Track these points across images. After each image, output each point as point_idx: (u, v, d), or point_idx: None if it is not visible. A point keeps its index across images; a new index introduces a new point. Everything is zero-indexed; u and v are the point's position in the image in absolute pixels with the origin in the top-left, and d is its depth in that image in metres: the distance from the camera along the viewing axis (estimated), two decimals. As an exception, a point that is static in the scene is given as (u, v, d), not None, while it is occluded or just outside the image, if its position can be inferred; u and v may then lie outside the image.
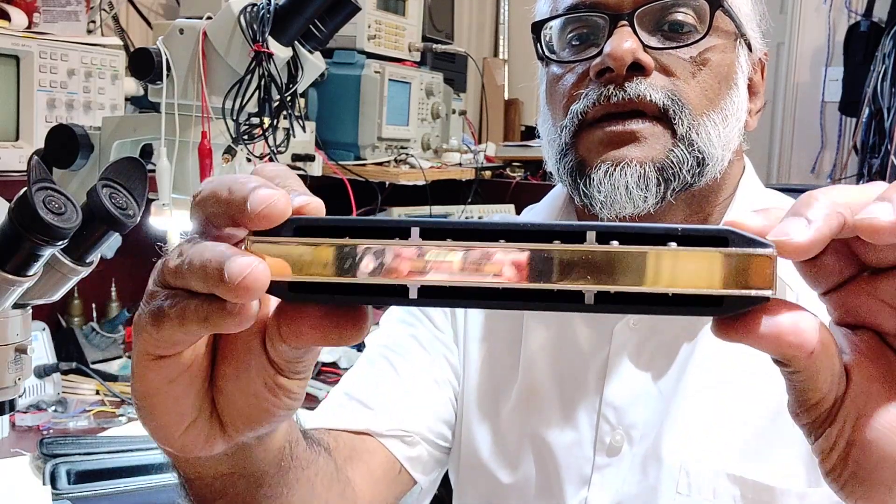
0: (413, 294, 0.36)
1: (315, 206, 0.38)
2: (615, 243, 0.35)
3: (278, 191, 0.37)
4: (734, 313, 0.36)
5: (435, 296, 0.37)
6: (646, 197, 0.74)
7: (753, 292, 0.35)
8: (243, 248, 0.37)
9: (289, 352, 0.41)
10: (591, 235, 0.35)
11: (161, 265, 0.40)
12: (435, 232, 0.36)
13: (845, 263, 0.39)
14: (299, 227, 0.37)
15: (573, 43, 0.79)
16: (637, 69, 0.75)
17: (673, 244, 0.35)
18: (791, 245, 0.36)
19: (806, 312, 0.38)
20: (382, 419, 0.84)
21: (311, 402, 1.27)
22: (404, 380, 0.87)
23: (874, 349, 0.40)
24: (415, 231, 0.36)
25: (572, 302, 0.36)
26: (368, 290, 0.37)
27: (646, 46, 0.75)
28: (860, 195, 0.38)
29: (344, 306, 0.39)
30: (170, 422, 0.44)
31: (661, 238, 0.35)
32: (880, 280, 0.39)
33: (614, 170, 0.74)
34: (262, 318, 0.41)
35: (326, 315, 0.39)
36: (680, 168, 0.75)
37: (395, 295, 0.37)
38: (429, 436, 0.87)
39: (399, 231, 0.37)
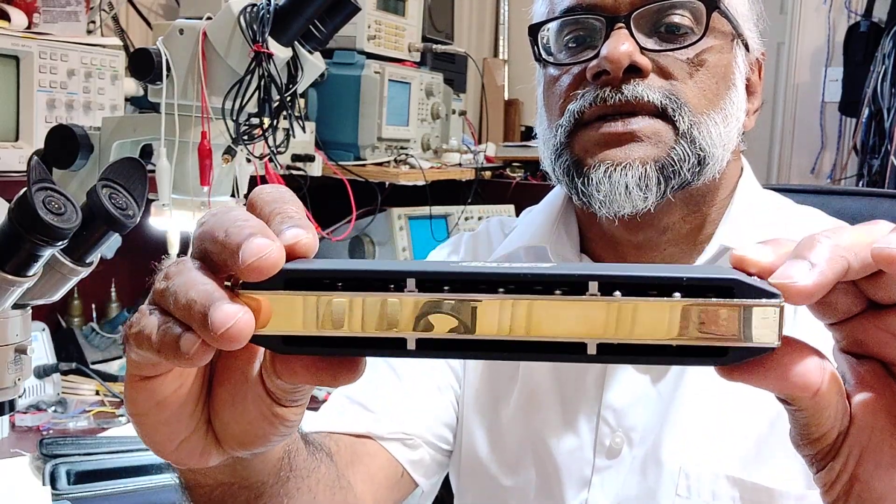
0: (411, 346, 0.35)
1: (305, 244, 0.37)
2: (618, 294, 0.34)
3: (272, 242, 0.36)
4: (739, 362, 0.35)
5: (433, 347, 0.35)
6: (646, 196, 0.74)
7: (758, 344, 0.35)
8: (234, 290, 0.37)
9: (285, 385, 0.41)
10: (593, 286, 0.34)
11: (154, 284, 0.39)
12: (432, 282, 0.35)
13: (853, 300, 0.39)
14: (290, 278, 0.36)
15: (570, 45, 0.79)
16: (634, 71, 0.75)
17: (678, 294, 0.34)
18: (794, 289, 0.35)
19: (811, 351, 0.37)
20: (384, 422, 0.84)
21: (314, 403, 1.27)
22: (405, 383, 0.87)
23: (879, 380, 0.39)
24: (410, 282, 0.35)
25: (574, 353, 0.35)
26: (363, 343, 0.36)
27: (642, 49, 0.75)
28: (863, 237, 0.37)
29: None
30: (161, 439, 0.44)
31: (665, 288, 0.34)
32: (888, 314, 0.38)
33: (614, 170, 0.74)
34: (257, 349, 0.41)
35: (321, 359, 0.38)
36: (681, 166, 0.75)
37: (392, 347, 0.36)
38: (430, 439, 0.87)
39: (395, 280, 0.35)
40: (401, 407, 0.85)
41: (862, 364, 0.40)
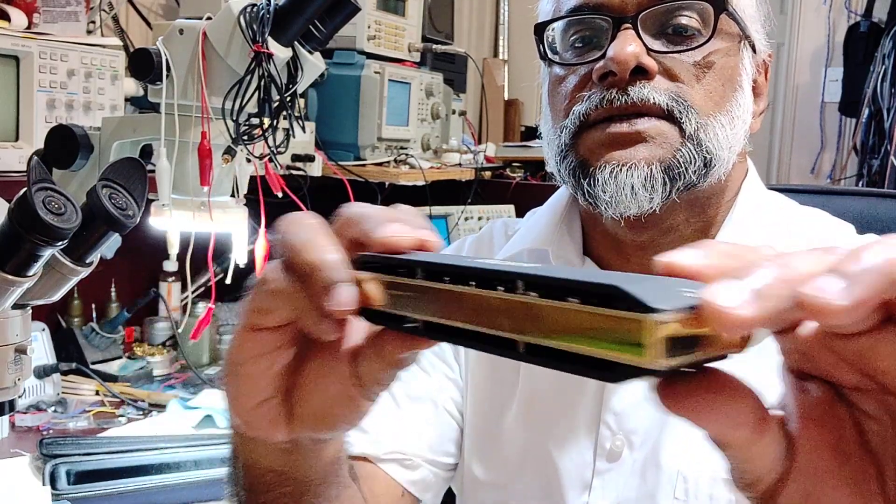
0: (520, 349, 0.35)
1: (434, 245, 0.41)
2: (533, 294, 0.33)
3: (411, 228, 0.41)
4: (628, 381, 0.31)
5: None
6: (651, 197, 0.74)
7: (631, 362, 0.30)
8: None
9: (376, 370, 0.44)
10: (520, 283, 0.34)
11: (285, 241, 0.43)
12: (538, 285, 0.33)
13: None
14: (412, 265, 0.39)
15: (576, 45, 0.79)
16: (640, 73, 0.74)
17: (575, 300, 0.32)
18: (720, 315, 0.29)
19: (747, 391, 0.33)
20: (380, 443, 0.84)
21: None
22: (401, 404, 0.87)
23: (826, 409, 0.34)
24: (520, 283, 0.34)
25: (512, 350, 0.35)
26: (462, 332, 0.37)
27: (649, 50, 0.74)
28: (812, 265, 0.30)
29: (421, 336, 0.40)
30: (246, 391, 0.47)
31: (563, 291, 0.32)
32: (840, 339, 0.31)
33: (620, 170, 0.74)
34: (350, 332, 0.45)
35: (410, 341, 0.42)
36: (686, 168, 0.74)
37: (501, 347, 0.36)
38: (431, 456, 0.87)
39: (502, 280, 0.35)
40: (397, 427, 0.86)
41: (809, 387, 0.34)
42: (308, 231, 0.42)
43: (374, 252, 0.41)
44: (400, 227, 0.41)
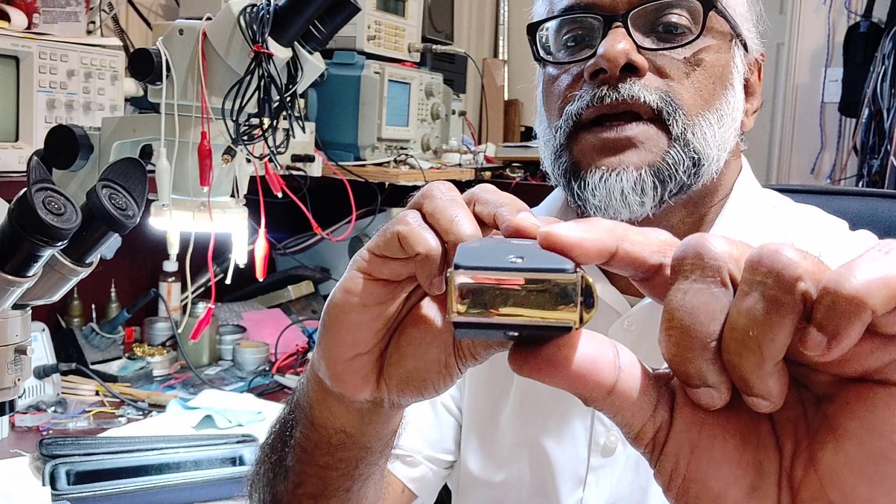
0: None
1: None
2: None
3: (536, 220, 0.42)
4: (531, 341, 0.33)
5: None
6: (642, 202, 0.74)
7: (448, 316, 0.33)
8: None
9: (479, 343, 0.47)
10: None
11: (432, 197, 0.46)
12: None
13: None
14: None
15: (568, 44, 0.80)
16: (631, 70, 0.75)
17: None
18: (553, 234, 0.34)
19: (603, 346, 0.35)
20: None
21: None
22: None
23: None
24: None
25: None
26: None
27: (640, 47, 0.75)
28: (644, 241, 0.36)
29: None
30: (346, 340, 0.49)
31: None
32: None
33: (610, 175, 0.74)
34: None
35: None
36: (676, 170, 0.75)
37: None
38: (431, 453, 0.88)
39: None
40: None
41: None
42: (454, 197, 0.46)
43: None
44: (528, 215, 0.42)
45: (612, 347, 0.35)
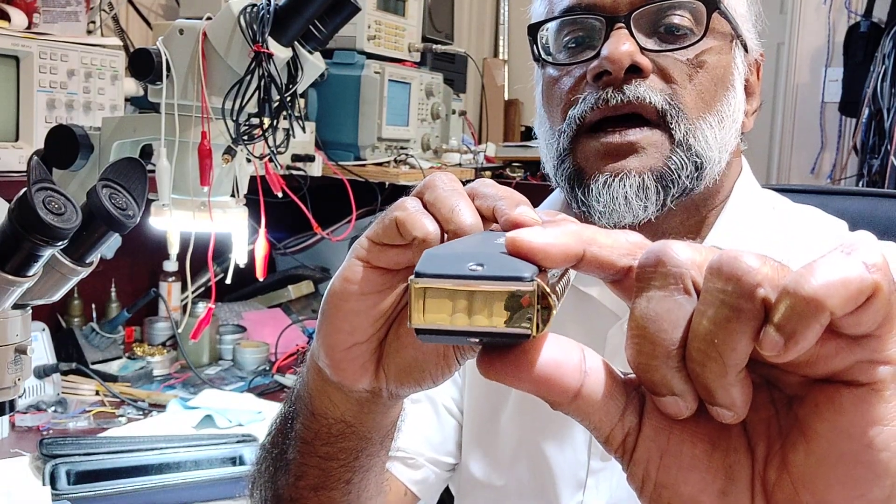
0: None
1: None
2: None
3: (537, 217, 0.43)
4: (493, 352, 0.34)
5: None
6: (646, 206, 0.74)
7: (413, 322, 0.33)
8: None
9: None
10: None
11: (434, 187, 0.46)
12: None
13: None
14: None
15: (569, 45, 0.79)
16: (635, 72, 0.74)
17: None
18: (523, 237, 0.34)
19: (569, 350, 0.34)
20: None
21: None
22: (403, 404, 0.88)
23: None
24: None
25: None
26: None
27: (643, 49, 0.75)
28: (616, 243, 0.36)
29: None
30: (344, 328, 0.49)
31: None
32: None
33: (613, 180, 0.74)
34: None
35: None
36: (679, 174, 0.75)
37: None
38: (433, 456, 0.88)
39: None
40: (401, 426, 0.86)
41: None
42: (456, 188, 0.46)
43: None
44: (526, 209, 0.43)
45: (579, 352, 0.35)
